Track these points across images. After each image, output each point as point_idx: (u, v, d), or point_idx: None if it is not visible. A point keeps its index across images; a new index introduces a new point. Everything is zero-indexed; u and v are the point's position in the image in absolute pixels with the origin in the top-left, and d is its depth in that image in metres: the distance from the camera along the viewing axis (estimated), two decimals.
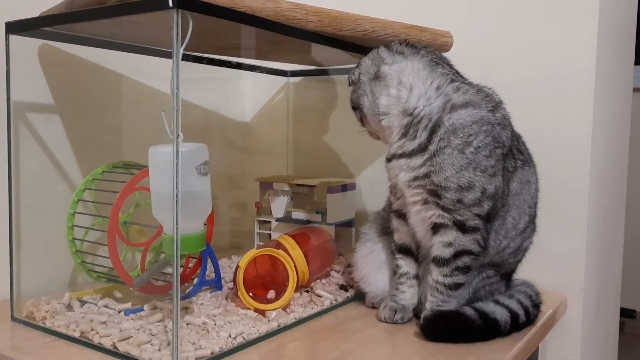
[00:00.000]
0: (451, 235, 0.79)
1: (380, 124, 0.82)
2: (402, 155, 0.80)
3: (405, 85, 0.79)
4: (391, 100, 0.80)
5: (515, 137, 0.86)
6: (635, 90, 1.64)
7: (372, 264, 0.92)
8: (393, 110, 0.80)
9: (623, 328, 2.53)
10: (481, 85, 0.82)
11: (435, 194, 0.78)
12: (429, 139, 0.77)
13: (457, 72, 0.84)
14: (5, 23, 0.83)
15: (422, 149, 0.78)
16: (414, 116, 0.79)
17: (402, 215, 0.87)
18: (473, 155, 0.76)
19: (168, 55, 0.63)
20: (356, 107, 0.86)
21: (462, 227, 0.79)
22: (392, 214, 0.89)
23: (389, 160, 0.82)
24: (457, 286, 0.81)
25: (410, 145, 0.79)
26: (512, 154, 0.83)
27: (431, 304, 0.82)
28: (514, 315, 0.82)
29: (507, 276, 0.90)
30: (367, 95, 0.83)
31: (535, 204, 0.89)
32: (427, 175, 0.78)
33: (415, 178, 0.79)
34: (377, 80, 0.81)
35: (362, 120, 0.86)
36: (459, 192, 0.77)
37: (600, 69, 1.06)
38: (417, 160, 0.78)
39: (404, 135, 0.80)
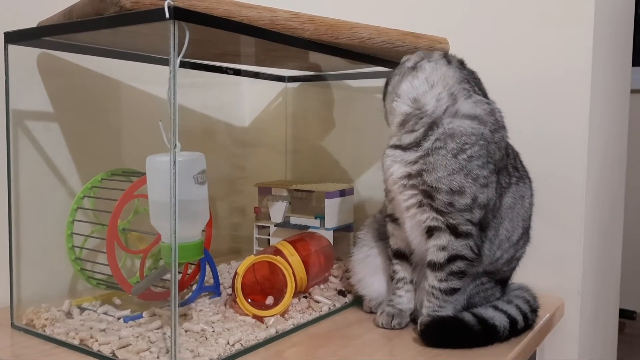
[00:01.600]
0: (445, 238, 0.81)
1: (392, 104, 0.85)
2: (398, 147, 0.83)
3: (429, 82, 0.82)
4: (410, 87, 0.83)
5: (513, 155, 0.88)
6: (633, 91, 1.64)
7: (367, 268, 0.94)
8: (406, 96, 0.82)
9: (623, 329, 2.53)
10: (496, 107, 0.84)
11: (428, 195, 0.80)
12: (425, 135, 0.80)
13: (482, 93, 0.86)
14: (4, 33, 0.83)
15: (417, 143, 0.80)
16: (420, 110, 0.81)
17: (396, 220, 0.88)
18: (465, 162, 0.78)
19: (166, 62, 0.63)
20: (387, 83, 0.89)
21: (454, 231, 0.80)
22: (387, 218, 0.90)
23: (386, 150, 0.85)
24: (452, 291, 0.82)
25: (407, 139, 0.82)
26: (507, 170, 0.86)
27: (427, 309, 0.83)
28: (512, 320, 0.82)
29: (502, 282, 0.91)
30: (398, 76, 0.86)
31: (529, 217, 0.91)
32: (419, 174, 0.80)
33: (409, 176, 0.81)
34: (414, 69, 0.84)
35: (384, 96, 0.89)
36: (450, 195, 0.79)
37: (596, 70, 1.06)
38: (411, 155, 0.81)
39: (403, 124, 0.82)
